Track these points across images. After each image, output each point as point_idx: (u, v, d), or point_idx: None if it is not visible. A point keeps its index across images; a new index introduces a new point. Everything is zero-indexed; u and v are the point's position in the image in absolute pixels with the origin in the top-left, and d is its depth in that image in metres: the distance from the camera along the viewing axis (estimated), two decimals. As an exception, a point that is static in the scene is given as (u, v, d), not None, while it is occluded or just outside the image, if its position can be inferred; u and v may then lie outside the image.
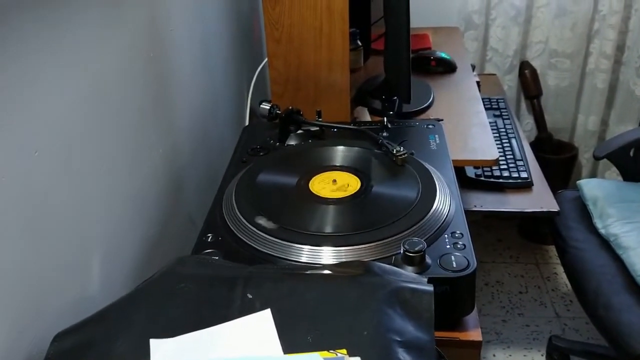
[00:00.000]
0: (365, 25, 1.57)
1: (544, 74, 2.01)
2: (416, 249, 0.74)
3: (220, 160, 1.18)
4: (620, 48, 1.94)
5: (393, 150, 0.93)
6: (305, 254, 0.76)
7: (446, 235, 0.80)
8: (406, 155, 0.93)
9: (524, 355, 1.71)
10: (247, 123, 1.32)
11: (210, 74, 1.15)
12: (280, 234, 0.79)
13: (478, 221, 2.25)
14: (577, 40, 1.92)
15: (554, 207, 1.25)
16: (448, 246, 0.78)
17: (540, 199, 1.30)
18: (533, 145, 2.04)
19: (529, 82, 1.99)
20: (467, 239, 0.80)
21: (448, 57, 1.55)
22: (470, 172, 1.34)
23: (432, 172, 0.91)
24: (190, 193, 1.05)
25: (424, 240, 0.77)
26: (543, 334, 1.78)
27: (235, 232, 0.82)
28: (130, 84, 0.80)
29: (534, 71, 1.99)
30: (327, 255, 0.76)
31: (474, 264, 0.75)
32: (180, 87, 0.99)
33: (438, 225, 0.82)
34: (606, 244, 1.33)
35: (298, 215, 0.83)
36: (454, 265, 0.75)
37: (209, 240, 0.82)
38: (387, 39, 1.31)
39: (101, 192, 0.73)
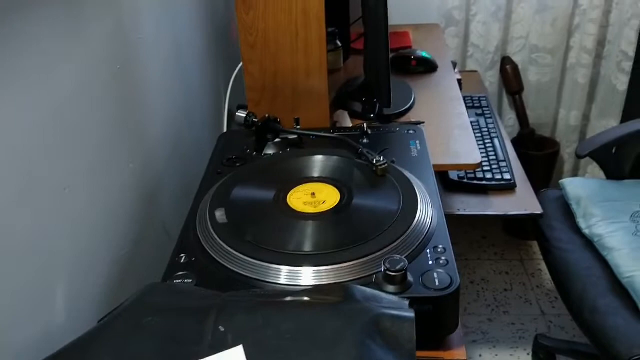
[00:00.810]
0: (344, 24, 1.53)
1: (525, 69, 1.99)
2: (397, 267, 0.71)
3: (196, 168, 1.14)
4: (601, 42, 1.93)
5: (373, 160, 0.90)
6: (284, 275, 0.73)
7: (428, 251, 0.78)
8: (386, 165, 0.90)
9: (510, 355, 1.70)
10: (225, 129, 1.28)
11: (185, 80, 1.11)
12: (258, 254, 0.76)
13: (463, 218, 2.24)
14: (557, 35, 1.91)
15: (538, 209, 1.23)
16: (430, 262, 0.76)
17: (523, 201, 1.28)
18: (515, 141, 2.02)
19: (511, 77, 1.97)
20: (449, 254, 0.77)
21: (429, 57, 1.52)
22: (453, 174, 1.32)
23: (413, 183, 0.88)
24: (165, 204, 1.01)
25: (406, 257, 0.75)
26: (529, 332, 1.77)
27: (209, 252, 0.79)
28: (95, 98, 0.76)
29: (515, 67, 1.98)
30: (307, 276, 0.73)
31: (457, 281, 0.73)
32: (151, 97, 0.95)
33: (420, 240, 0.79)
34: (590, 245, 1.32)
35: (276, 233, 0.80)
36: (437, 284, 0.72)
37: (182, 261, 0.79)
38: (366, 41, 1.28)
39: (65, 216, 0.69)
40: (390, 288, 0.72)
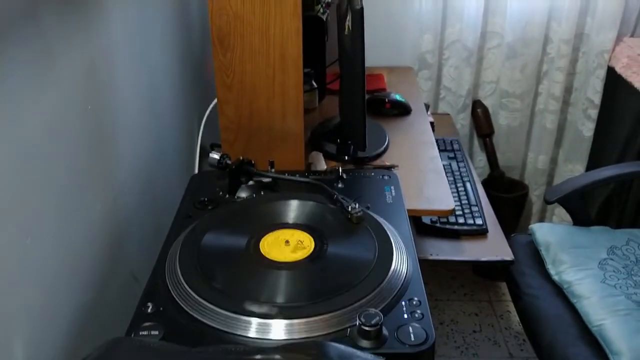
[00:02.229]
0: (320, 65, 1.54)
1: (495, 113, 2.03)
2: (372, 322, 0.70)
3: (167, 210, 1.12)
4: (568, 90, 1.98)
5: (348, 208, 0.89)
6: (254, 328, 0.71)
7: (403, 303, 0.77)
8: (361, 213, 0.89)
9: (479, 399, 1.69)
10: (197, 169, 1.26)
11: (158, 119, 1.09)
12: (227, 304, 0.73)
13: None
14: (526, 81, 1.96)
15: (509, 256, 1.24)
16: (406, 315, 0.75)
17: (495, 246, 1.28)
18: (485, 183, 2.05)
19: (482, 120, 2.01)
20: (425, 307, 0.76)
21: (403, 100, 1.54)
22: (426, 218, 1.32)
23: (388, 232, 0.88)
24: (134, 248, 0.98)
25: (381, 310, 0.73)
26: (497, 376, 1.76)
27: (177, 301, 0.76)
28: (64, 139, 0.74)
29: (485, 110, 2.02)
30: (278, 329, 0.71)
31: (432, 336, 0.72)
32: (123, 136, 0.93)
33: (395, 292, 0.78)
34: (560, 291, 1.33)
35: (247, 283, 0.78)
36: (412, 339, 0.71)
37: (148, 310, 0.76)
38: (342, 84, 1.28)
39: (27, 266, 0.66)
40: (365, 343, 0.70)
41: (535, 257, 1.42)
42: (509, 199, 2.03)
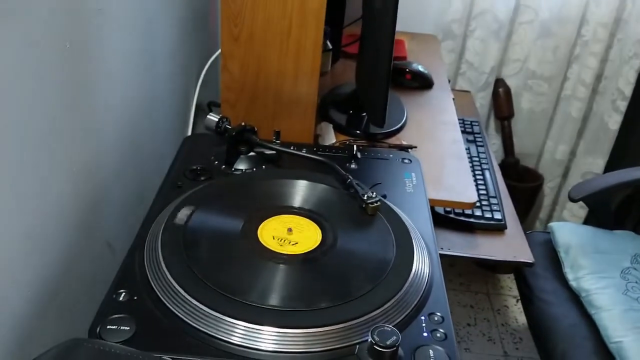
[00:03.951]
0: (337, 24, 1.38)
1: (518, 94, 1.89)
2: (388, 342, 0.58)
3: (154, 175, 0.98)
4: (598, 77, 1.84)
5: (363, 196, 0.76)
6: (239, 332, 0.59)
7: (423, 318, 0.65)
8: (378, 204, 0.76)
9: (470, 398, 1.60)
10: (190, 130, 1.12)
11: (150, 68, 0.94)
12: (212, 302, 0.61)
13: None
14: (557, 63, 1.81)
15: (528, 258, 1.12)
16: (425, 334, 0.63)
17: (513, 245, 1.16)
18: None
19: (502, 102, 1.87)
20: (448, 325, 0.64)
21: (425, 72, 1.39)
22: (439, 207, 1.19)
23: (409, 228, 0.75)
24: (112, 219, 0.85)
25: (397, 325, 0.62)
26: (490, 373, 1.68)
27: (156, 290, 0.64)
28: (34, 85, 0.60)
29: (508, 90, 1.87)
30: (267, 337, 0.59)
31: (457, 365, 0.60)
32: (107, 85, 0.78)
33: (415, 303, 0.66)
34: (577, 299, 1.22)
35: (239, 277, 0.65)
36: (433, 366, 0.59)
37: (120, 298, 0.63)
38: (363, 48, 1.13)
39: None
40: (375, 366, 0.58)
41: (552, 259, 1.31)
42: (522, 188, 1.91)
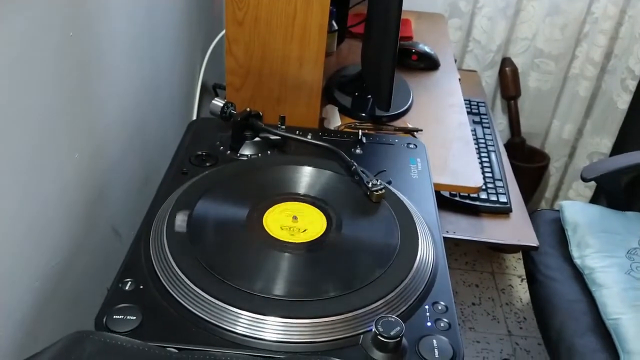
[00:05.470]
0: (343, 4, 1.37)
1: (525, 73, 1.87)
2: (392, 333, 0.58)
3: (159, 160, 0.98)
4: (607, 55, 1.81)
5: (368, 183, 0.76)
6: (244, 322, 0.59)
7: (427, 307, 0.65)
8: (383, 192, 0.76)
9: (473, 376, 1.62)
10: (195, 114, 1.11)
11: (154, 52, 0.93)
12: (217, 291, 0.61)
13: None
14: (565, 42, 1.78)
15: (533, 242, 1.12)
16: (429, 323, 0.63)
17: (518, 229, 1.16)
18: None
19: (509, 81, 1.85)
20: (452, 315, 0.65)
21: (431, 52, 1.38)
22: (445, 190, 1.19)
23: (414, 216, 0.75)
24: (117, 205, 0.85)
25: (400, 314, 0.62)
26: (494, 352, 1.69)
27: (162, 279, 0.64)
28: (37, 74, 0.59)
29: (515, 70, 1.85)
30: (272, 327, 0.59)
31: (461, 354, 0.60)
32: (111, 71, 0.78)
33: (419, 292, 0.66)
34: (580, 276, 1.22)
35: (244, 266, 0.65)
36: (437, 355, 0.60)
37: (126, 287, 0.64)
38: (369, 29, 1.12)
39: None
40: (379, 355, 0.59)
41: (560, 237, 1.30)
42: (528, 169, 1.90)
